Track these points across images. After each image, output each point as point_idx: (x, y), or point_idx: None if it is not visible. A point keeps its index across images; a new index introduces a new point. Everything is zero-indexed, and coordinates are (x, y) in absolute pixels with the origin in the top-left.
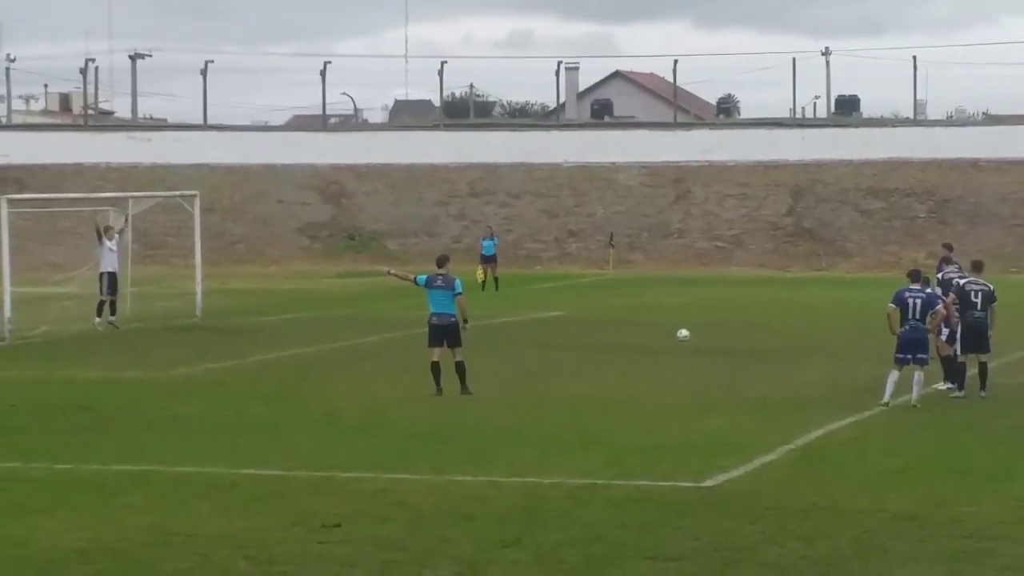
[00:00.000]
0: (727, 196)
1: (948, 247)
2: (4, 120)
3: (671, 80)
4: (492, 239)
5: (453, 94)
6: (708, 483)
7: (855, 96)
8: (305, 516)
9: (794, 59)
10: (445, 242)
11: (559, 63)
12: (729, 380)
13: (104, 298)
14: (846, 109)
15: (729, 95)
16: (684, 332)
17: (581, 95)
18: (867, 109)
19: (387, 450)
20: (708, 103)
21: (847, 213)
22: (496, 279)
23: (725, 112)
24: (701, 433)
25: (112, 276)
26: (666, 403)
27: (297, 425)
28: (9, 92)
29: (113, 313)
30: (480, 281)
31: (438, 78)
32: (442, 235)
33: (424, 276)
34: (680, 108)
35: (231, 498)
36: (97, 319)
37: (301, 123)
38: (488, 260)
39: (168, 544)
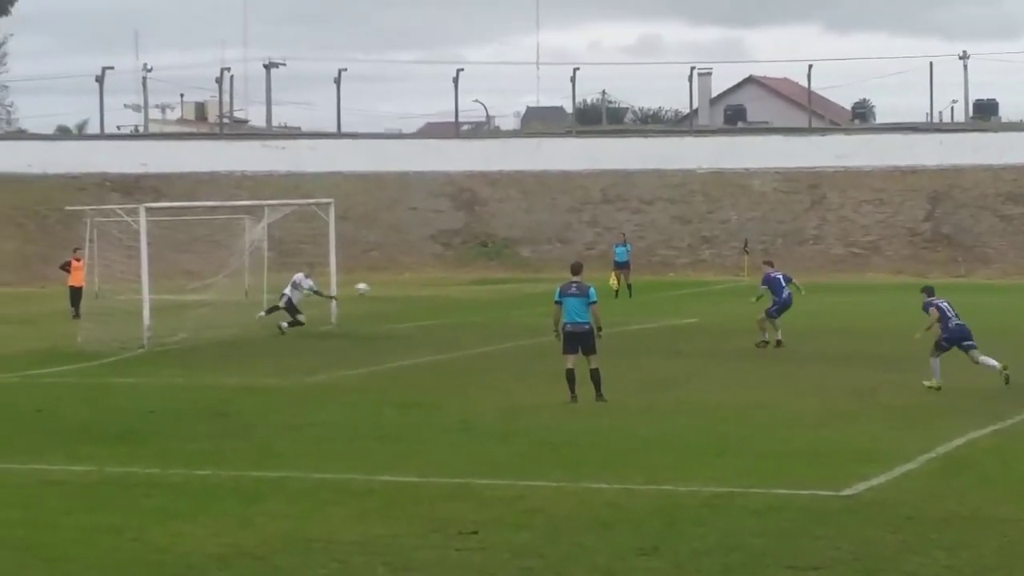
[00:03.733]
0: (863, 202)
1: None
2: (141, 129)
3: (805, 85)
4: (625, 245)
5: (585, 100)
6: (847, 491)
7: (994, 100)
8: (442, 523)
9: (931, 63)
10: (578, 249)
11: (692, 68)
12: (868, 387)
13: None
14: (984, 113)
15: (864, 100)
16: (362, 285)
17: (714, 100)
18: (1006, 113)
19: (522, 457)
20: (843, 108)
21: (986, 219)
22: (629, 286)
23: (860, 117)
24: (840, 441)
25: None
26: (804, 410)
27: (432, 432)
28: (146, 102)
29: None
30: (613, 289)
31: (569, 84)
32: (575, 242)
33: (558, 287)
34: (815, 113)
35: (368, 504)
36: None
37: (433, 130)
38: (621, 266)
39: (307, 551)
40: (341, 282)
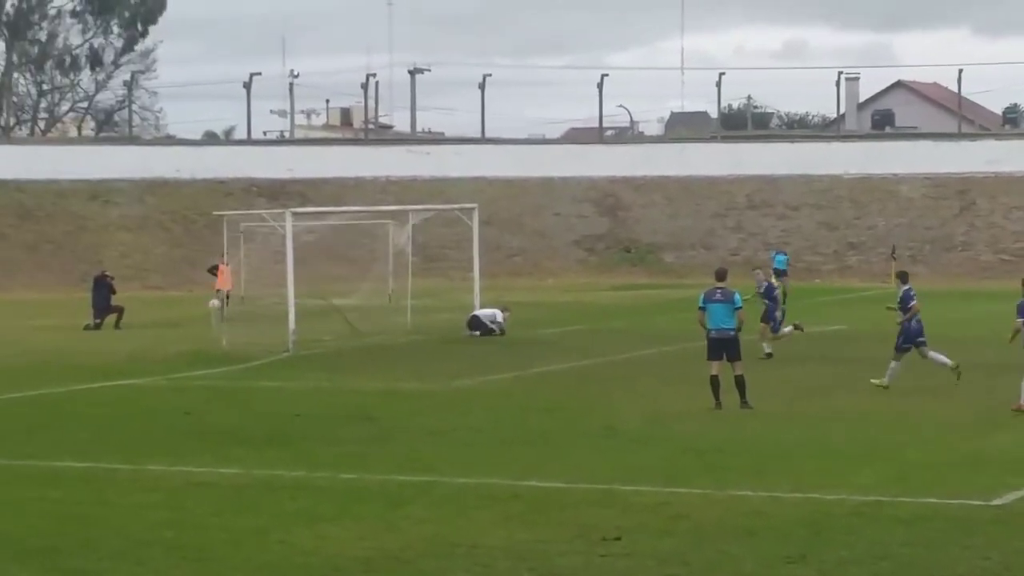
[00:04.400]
0: (1014, 208)
1: None
2: (287, 135)
3: (954, 89)
4: (784, 253)
5: (730, 105)
6: (997, 501)
7: None
8: (586, 528)
9: None
10: (722, 255)
11: (839, 73)
12: (1018, 396)
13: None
14: None
15: (1015, 104)
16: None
17: (861, 105)
18: None
19: (667, 463)
20: (993, 113)
21: None
22: (785, 293)
23: (1011, 122)
24: (989, 450)
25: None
26: (952, 419)
27: (577, 437)
28: (292, 107)
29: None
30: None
31: (714, 89)
32: (719, 248)
33: (702, 293)
34: (964, 118)
35: (512, 509)
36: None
37: (577, 136)
38: (780, 274)
39: (451, 555)
40: (485, 287)
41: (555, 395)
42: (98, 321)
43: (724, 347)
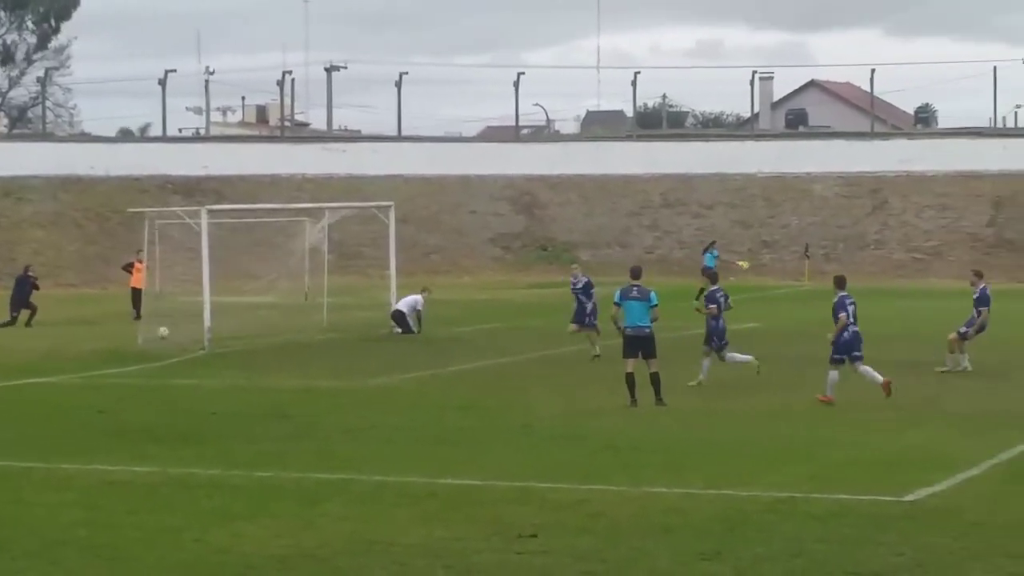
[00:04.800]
0: (926, 207)
1: None
2: (203, 132)
3: (867, 89)
4: (714, 252)
5: (645, 104)
6: (910, 497)
7: None
8: (503, 526)
9: (995, 67)
10: (638, 253)
11: (753, 73)
12: (932, 394)
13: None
14: None
15: (926, 104)
16: (164, 330)
17: (775, 105)
18: None
19: (583, 461)
20: (905, 112)
21: None
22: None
23: (923, 122)
24: (903, 447)
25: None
26: (866, 417)
27: (494, 435)
28: (208, 104)
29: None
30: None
31: (630, 88)
32: (635, 246)
33: (618, 290)
34: (877, 118)
35: (429, 507)
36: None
37: (494, 134)
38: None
39: (368, 553)
40: (401, 285)
41: (472, 393)
42: (14, 315)
43: (640, 345)
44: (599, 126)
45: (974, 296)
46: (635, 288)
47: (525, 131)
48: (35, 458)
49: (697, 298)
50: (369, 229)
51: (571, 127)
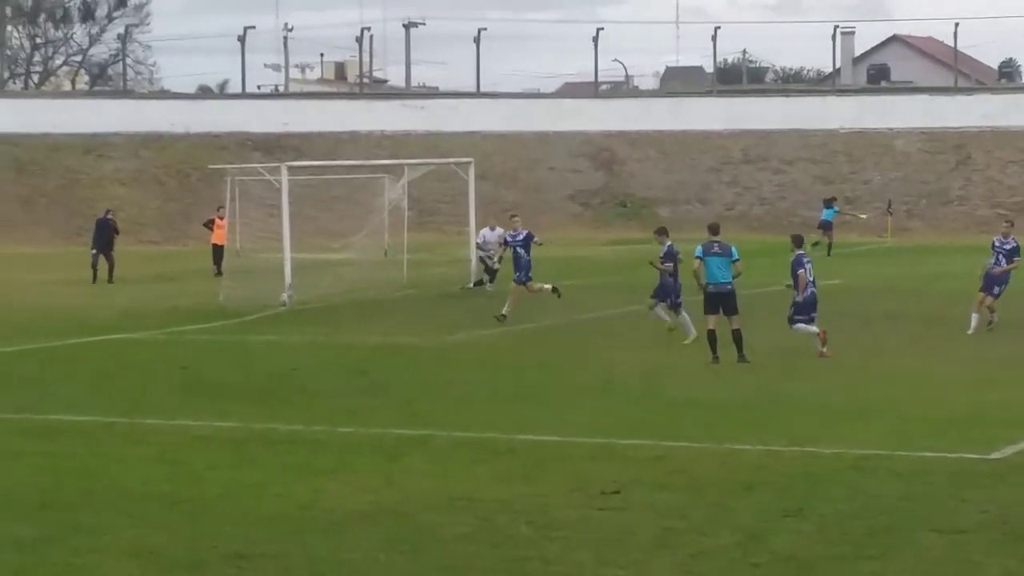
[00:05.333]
0: (1010, 162)
1: None
2: (281, 89)
3: (950, 44)
4: (833, 206)
5: (725, 60)
6: (995, 455)
7: None
8: (583, 482)
9: None
10: (717, 209)
11: (835, 27)
12: (1017, 352)
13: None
14: None
15: (1011, 59)
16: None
17: (857, 60)
18: None
19: (664, 418)
20: (989, 67)
21: None
22: (830, 246)
23: (1007, 76)
24: (987, 405)
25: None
26: (949, 374)
27: (573, 392)
28: (287, 61)
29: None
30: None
31: (709, 44)
32: (714, 202)
33: (700, 246)
34: (960, 72)
35: (510, 463)
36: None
37: (572, 90)
38: (826, 226)
39: (449, 508)
40: None
41: (550, 350)
42: (95, 251)
43: (721, 301)
44: (678, 82)
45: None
46: (716, 244)
47: (604, 87)
48: (118, 413)
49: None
50: (448, 186)
51: (650, 83)
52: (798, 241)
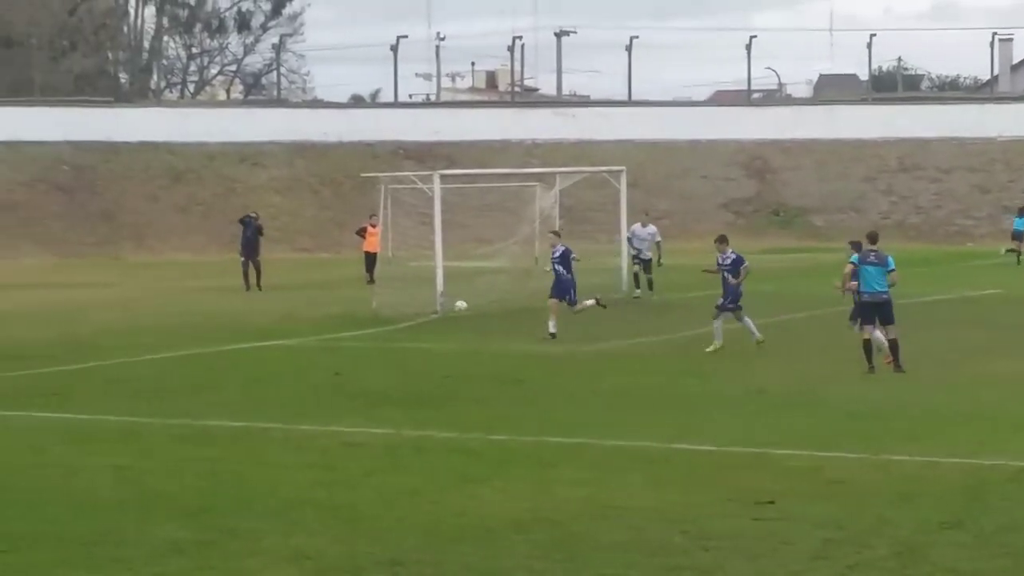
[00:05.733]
0: None
1: None
2: (433, 97)
3: None
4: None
5: (880, 67)
6: None
7: None
8: (739, 492)
9: None
10: (872, 218)
11: (993, 34)
12: None
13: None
14: None
15: None
16: (461, 303)
17: (1016, 67)
18: None
19: (820, 428)
20: None
21: None
22: (1019, 255)
23: None
24: None
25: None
26: None
27: (728, 401)
28: (439, 70)
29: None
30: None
31: (863, 51)
32: (869, 211)
33: (856, 253)
34: None
35: (664, 472)
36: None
37: (723, 98)
38: (1021, 236)
39: (603, 517)
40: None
41: (704, 358)
42: (244, 259)
43: (877, 310)
44: (832, 89)
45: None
46: (872, 253)
47: (756, 95)
48: (274, 419)
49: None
50: (599, 194)
51: (803, 91)
52: (858, 246)
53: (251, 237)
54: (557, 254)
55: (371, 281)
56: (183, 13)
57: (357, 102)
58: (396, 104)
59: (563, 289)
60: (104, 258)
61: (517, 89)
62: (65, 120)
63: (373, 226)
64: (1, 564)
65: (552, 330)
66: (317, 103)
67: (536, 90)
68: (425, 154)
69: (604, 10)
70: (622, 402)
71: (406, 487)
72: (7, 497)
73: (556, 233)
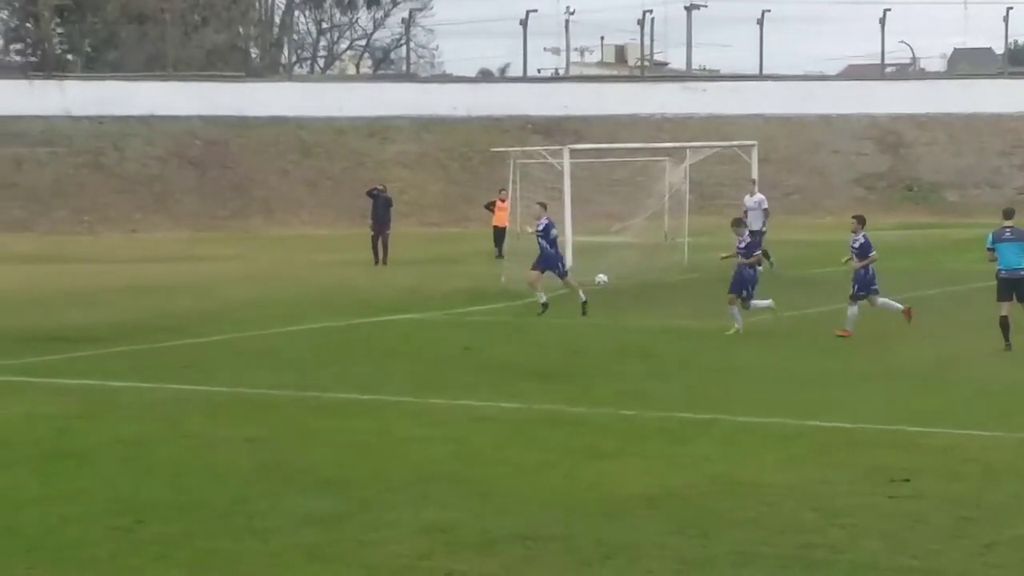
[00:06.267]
0: None
1: None
2: (561, 72)
3: None
4: None
5: (1015, 41)
6: None
7: None
8: (872, 470)
9: None
10: (1008, 194)
11: None
12: None
13: None
14: None
15: None
16: (602, 277)
17: None
18: None
19: (956, 405)
20: None
21: None
22: None
23: None
24: None
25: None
26: None
27: (861, 378)
28: (568, 45)
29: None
30: None
31: (999, 25)
32: (1005, 186)
33: (990, 233)
34: None
35: (796, 449)
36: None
37: (856, 72)
38: None
39: (734, 493)
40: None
41: (834, 335)
42: (374, 236)
43: (1015, 287)
44: (967, 64)
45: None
46: (1008, 230)
47: (889, 69)
48: (404, 392)
49: None
50: (729, 169)
51: (937, 65)
52: (862, 221)
53: (381, 210)
54: (540, 227)
55: (500, 255)
56: None
57: (485, 76)
58: (525, 79)
59: (547, 262)
60: (235, 232)
61: (646, 63)
62: (197, 95)
63: (502, 200)
64: (142, 534)
65: (543, 300)
66: (446, 77)
67: (665, 64)
68: (553, 128)
69: None
70: (753, 378)
71: (537, 461)
72: (147, 468)
73: (542, 205)
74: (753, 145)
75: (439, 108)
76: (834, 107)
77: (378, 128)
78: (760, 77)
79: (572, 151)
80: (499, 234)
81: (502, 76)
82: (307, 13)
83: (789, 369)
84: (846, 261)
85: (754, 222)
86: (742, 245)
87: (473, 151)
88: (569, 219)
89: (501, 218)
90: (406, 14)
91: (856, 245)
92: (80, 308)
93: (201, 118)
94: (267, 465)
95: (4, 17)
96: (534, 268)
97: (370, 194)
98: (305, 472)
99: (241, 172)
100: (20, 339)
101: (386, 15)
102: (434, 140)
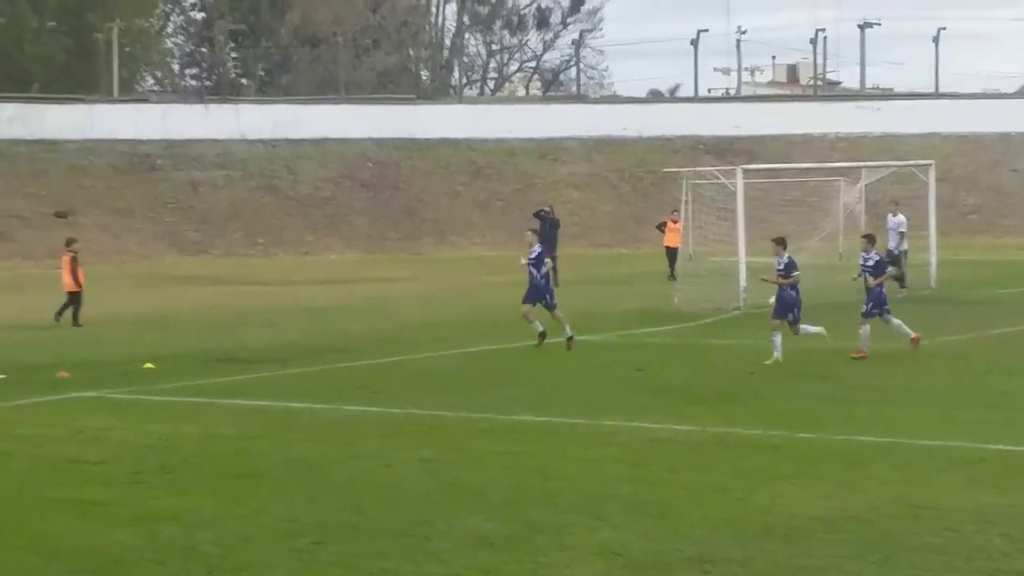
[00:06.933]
0: None
1: None
2: (732, 92)
3: None
4: None
5: None
6: None
7: None
8: None
9: None
10: None
11: None
12: None
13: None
14: None
15: None
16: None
17: None
18: None
19: None
20: None
21: None
22: None
23: None
24: None
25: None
26: None
27: None
28: (739, 64)
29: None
30: None
31: None
32: None
33: None
34: None
35: (979, 473)
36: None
37: None
38: None
39: (916, 517)
40: (940, 245)
41: (1016, 357)
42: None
43: None
44: None
45: None
46: None
47: None
48: (578, 414)
49: None
50: (904, 188)
51: None
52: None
53: (548, 232)
54: (533, 256)
55: (672, 276)
56: (483, 10)
57: (655, 97)
58: (696, 99)
59: (536, 294)
60: (406, 253)
61: (819, 82)
62: (369, 117)
63: (675, 221)
64: (320, 554)
65: (540, 329)
66: (615, 98)
67: (838, 83)
68: (724, 149)
69: (910, 1)
70: (933, 400)
71: (711, 484)
72: (324, 488)
73: (534, 232)
74: (930, 164)
75: (609, 129)
76: (1012, 125)
77: (548, 149)
78: (935, 95)
79: (745, 171)
80: (671, 255)
81: (672, 96)
82: (477, 35)
83: (969, 391)
84: (855, 279)
85: (889, 242)
86: (869, 263)
87: (644, 171)
88: (743, 240)
89: (673, 239)
90: (576, 35)
91: (870, 263)
92: (255, 329)
93: (372, 140)
94: (442, 486)
95: (180, 42)
96: (525, 301)
97: (537, 215)
98: (480, 493)
99: (412, 194)
100: (197, 360)
101: (556, 36)
102: (604, 161)
